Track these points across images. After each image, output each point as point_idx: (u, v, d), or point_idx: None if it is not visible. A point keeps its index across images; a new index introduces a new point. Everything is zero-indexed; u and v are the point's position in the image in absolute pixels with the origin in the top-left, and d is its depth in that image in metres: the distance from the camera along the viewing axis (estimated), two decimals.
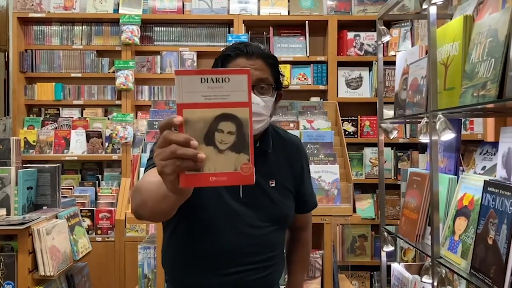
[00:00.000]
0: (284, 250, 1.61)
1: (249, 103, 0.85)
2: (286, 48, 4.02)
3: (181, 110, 0.83)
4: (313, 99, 3.92)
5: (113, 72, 3.94)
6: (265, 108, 1.34)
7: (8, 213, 2.20)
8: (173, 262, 1.48)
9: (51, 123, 4.02)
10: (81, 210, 3.15)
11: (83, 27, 4.08)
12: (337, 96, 3.94)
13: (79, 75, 4.02)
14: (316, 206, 1.65)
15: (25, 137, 3.91)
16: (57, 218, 2.31)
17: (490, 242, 1.36)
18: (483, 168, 1.73)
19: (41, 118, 4.04)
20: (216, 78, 0.83)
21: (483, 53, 1.46)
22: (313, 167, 2.27)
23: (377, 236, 3.72)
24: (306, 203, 1.59)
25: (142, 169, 2.29)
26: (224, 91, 0.84)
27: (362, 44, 4.00)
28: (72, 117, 4.05)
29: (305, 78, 4.00)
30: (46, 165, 2.42)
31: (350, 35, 4.00)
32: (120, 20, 3.86)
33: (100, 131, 3.94)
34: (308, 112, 2.69)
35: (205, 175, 0.84)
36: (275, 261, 1.47)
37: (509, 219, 1.29)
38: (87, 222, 3.63)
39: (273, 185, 1.44)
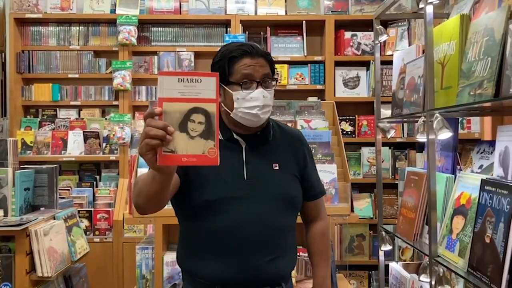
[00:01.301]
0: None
1: (216, 100, 1.06)
2: (283, 48, 4.02)
3: (161, 103, 1.04)
4: (311, 99, 3.91)
5: (110, 72, 3.93)
6: (271, 100, 1.50)
7: (6, 214, 2.20)
8: (184, 253, 1.55)
9: (48, 124, 4.01)
10: (78, 211, 3.15)
11: (80, 27, 4.07)
12: (334, 95, 3.94)
13: (76, 75, 4.01)
14: (325, 193, 1.71)
15: (22, 138, 3.90)
16: (54, 219, 2.31)
17: (487, 240, 1.36)
18: (480, 167, 1.74)
19: (39, 119, 4.03)
20: (190, 79, 1.05)
21: (480, 52, 1.47)
22: None
23: (375, 236, 3.73)
24: (312, 188, 1.63)
25: (140, 170, 2.29)
26: (197, 90, 1.05)
27: (359, 43, 4.01)
28: (70, 118, 4.04)
29: (302, 78, 4.00)
30: (44, 166, 2.41)
31: (347, 34, 4.00)
32: (117, 21, 3.86)
33: (98, 132, 3.93)
34: (306, 112, 2.69)
35: (178, 156, 1.05)
36: (283, 248, 1.51)
37: (506, 218, 1.29)
38: (85, 223, 3.63)
39: (276, 168, 1.54)
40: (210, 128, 1.06)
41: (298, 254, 2.10)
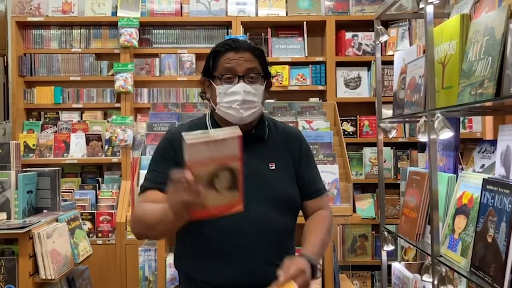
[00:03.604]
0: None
1: (239, 157, 1.13)
2: (284, 49, 4.02)
3: (191, 168, 1.10)
4: (312, 99, 3.92)
5: (112, 75, 3.94)
6: (256, 96, 1.45)
7: (9, 217, 2.20)
8: (182, 256, 1.53)
9: (50, 127, 4.02)
10: (81, 213, 3.15)
11: (82, 30, 4.08)
12: (336, 96, 3.94)
13: (78, 78, 4.02)
14: (324, 192, 1.61)
15: (25, 141, 3.91)
16: (57, 221, 2.32)
17: (489, 240, 1.36)
18: (482, 166, 1.74)
19: (41, 122, 4.04)
20: (215, 143, 1.11)
21: (480, 52, 1.47)
22: None
23: (377, 236, 3.72)
24: (308, 186, 1.57)
25: (142, 171, 2.30)
26: (221, 150, 1.11)
27: (360, 44, 4.01)
28: (72, 121, 4.05)
29: (303, 79, 4.00)
30: (46, 169, 2.42)
31: (348, 35, 4.00)
32: (119, 23, 3.87)
33: (100, 134, 3.94)
34: (307, 113, 2.69)
35: (207, 210, 1.15)
36: (282, 250, 1.46)
37: (508, 217, 1.29)
38: (87, 225, 3.63)
39: (273, 167, 1.50)
40: (234, 182, 1.15)
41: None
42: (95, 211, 3.71)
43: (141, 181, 2.25)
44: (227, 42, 1.48)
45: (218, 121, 1.52)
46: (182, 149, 1.14)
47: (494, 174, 1.58)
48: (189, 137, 1.09)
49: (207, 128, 1.52)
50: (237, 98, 1.42)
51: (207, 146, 1.10)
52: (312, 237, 1.49)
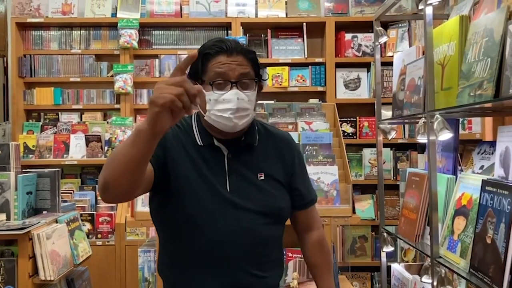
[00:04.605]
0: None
1: None
2: (284, 50, 4.02)
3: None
4: (312, 100, 3.92)
5: (112, 76, 3.94)
6: (249, 103, 1.36)
7: (8, 218, 2.20)
8: (166, 264, 1.47)
9: (50, 128, 4.02)
10: (81, 214, 3.15)
11: (82, 31, 4.08)
12: (335, 97, 3.94)
13: (78, 79, 4.02)
14: (315, 202, 1.57)
15: (25, 142, 3.90)
16: (57, 222, 2.31)
17: (488, 241, 1.36)
18: (481, 167, 1.74)
19: (40, 123, 4.04)
20: None
21: (479, 53, 1.47)
22: (312, 169, 2.27)
23: (377, 237, 3.72)
24: (302, 197, 1.52)
25: None
26: None
27: (360, 45, 4.01)
28: (71, 122, 4.04)
29: (303, 80, 4.00)
30: (46, 170, 2.42)
31: (348, 36, 4.01)
32: (118, 24, 3.87)
33: (100, 135, 3.94)
34: (307, 114, 2.69)
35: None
36: (269, 262, 1.43)
37: (507, 218, 1.29)
38: (87, 226, 3.63)
39: (262, 178, 1.42)
40: None
41: (296, 255, 2.11)
42: (94, 212, 3.71)
43: None
44: (217, 44, 1.36)
45: (205, 127, 1.42)
46: (174, 150, 1.25)
47: (493, 175, 1.58)
48: None
49: (193, 133, 1.42)
50: (230, 106, 1.31)
51: None
52: (328, 279, 1.55)
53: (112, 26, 4.01)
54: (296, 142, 1.84)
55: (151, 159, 1.24)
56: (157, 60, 4.05)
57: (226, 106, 1.32)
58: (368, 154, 3.93)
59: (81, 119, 4.11)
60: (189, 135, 1.42)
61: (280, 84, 3.94)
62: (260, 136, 1.47)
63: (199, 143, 1.40)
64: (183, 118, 1.44)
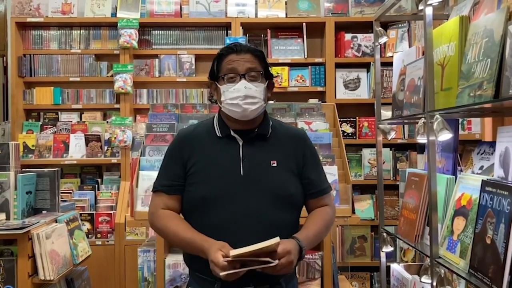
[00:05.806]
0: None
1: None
2: (284, 50, 4.03)
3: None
4: (311, 100, 3.92)
5: (112, 76, 3.94)
6: (257, 92, 1.55)
7: (8, 218, 2.20)
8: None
9: (50, 128, 4.02)
10: (80, 214, 3.15)
11: (81, 31, 4.08)
12: (335, 97, 3.94)
13: (78, 79, 4.02)
14: (329, 191, 1.68)
15: (24, 142, 3.90)
16: (56, 222, 2.31)
17: (488, 241, 1.36)
18: (481, 167, 1.74)
19: (40, 123, 4.04)
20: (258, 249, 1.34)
21: (479, 53, 1.47)
22: None
23: (376, 237, 3.72)
24: (313, 185, 1.63)
25: (141, 172, 2.30)
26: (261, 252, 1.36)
27: (359, 45, 4.01)
28: (71, 121, 4.05)
29: (303, 80, 4.01)
30: (45, 169, 2.42)
31: (348, 36, 4.01)
32: (118, 24, 3.87)
33: (99, 135, 3.94)
34: (306, 114, 2.69)
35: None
36: None
37: (506, 218, 1.30)
38: (86, 226, 3.63)
39: (274, 164, 1.57)
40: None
41: None
42: (94, 212, 3.71)
43: (141, 181, 2.27)
44: (230, 46, 1.60)
45: (225, 120, 1.61)
46: (189, 149, 1.48)
47: (493, 176, 1.59)
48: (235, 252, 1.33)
49: (214, 129, 1.62)
50: (239, 94, 1.52)
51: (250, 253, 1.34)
52: (309, 225, 1.58)
53: (112, 26, 4.01)
54: None
55: (180, 180, 1.59)
56: (157, 60, 4.05)
57: (236, 94, 1.53)
58: (367, 154, 3.93)
59: (80, 119, 4.11)
60: (209, 131, 1.63)
61: (280, 84, 3.94)
62: (273, 130, 1.64)
63: (218, 135, 1.61)
64: (206, 119, 1.72)
